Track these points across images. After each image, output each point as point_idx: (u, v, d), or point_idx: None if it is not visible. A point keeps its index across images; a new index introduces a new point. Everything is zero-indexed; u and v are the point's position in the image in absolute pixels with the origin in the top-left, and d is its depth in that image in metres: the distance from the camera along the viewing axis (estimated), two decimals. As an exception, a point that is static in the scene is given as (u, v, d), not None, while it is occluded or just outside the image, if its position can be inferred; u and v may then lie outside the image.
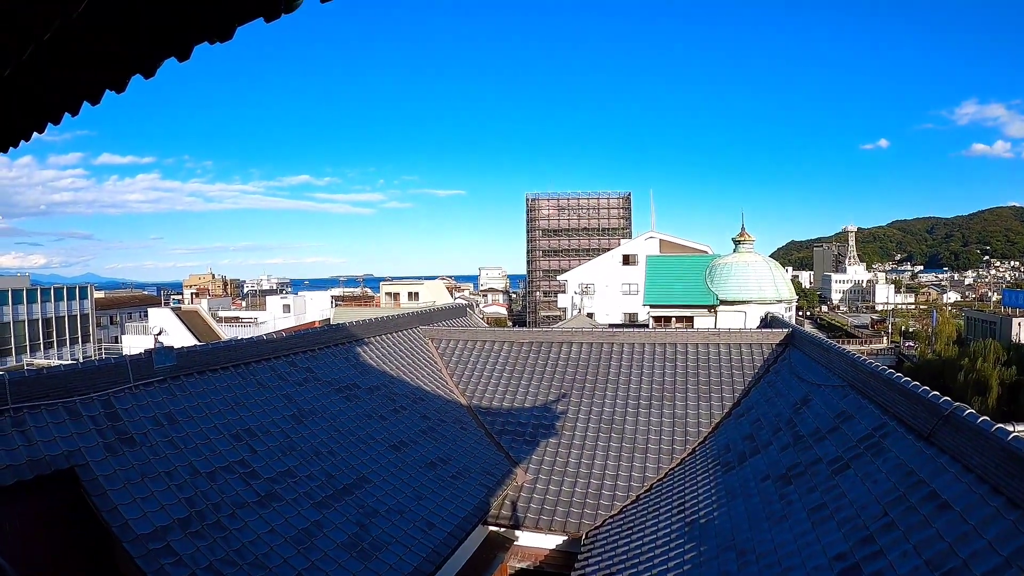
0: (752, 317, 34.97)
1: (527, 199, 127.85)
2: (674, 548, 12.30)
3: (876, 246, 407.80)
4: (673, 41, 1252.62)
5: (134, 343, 65.73)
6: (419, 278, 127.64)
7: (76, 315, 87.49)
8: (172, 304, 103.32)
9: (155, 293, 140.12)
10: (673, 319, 38.85)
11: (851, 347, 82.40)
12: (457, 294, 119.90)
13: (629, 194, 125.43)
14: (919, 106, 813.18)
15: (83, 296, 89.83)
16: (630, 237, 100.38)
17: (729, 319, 36.51)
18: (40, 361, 64.94)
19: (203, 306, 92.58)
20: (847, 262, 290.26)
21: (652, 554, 12.48)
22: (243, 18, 2.68)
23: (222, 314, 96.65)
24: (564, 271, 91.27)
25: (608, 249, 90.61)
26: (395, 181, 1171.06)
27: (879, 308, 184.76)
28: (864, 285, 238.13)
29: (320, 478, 13.64)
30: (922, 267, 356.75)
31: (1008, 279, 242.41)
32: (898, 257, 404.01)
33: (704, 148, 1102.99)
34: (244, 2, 2.61)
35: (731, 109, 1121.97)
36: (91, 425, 11.29)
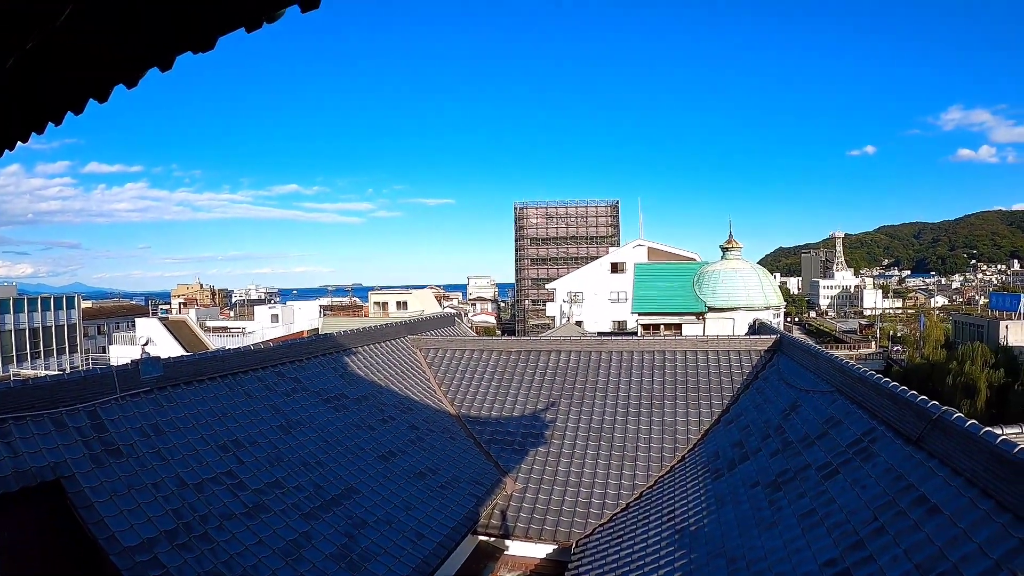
0: (740, 324, 35.03)
1: (515, 208, 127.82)
2: (664, 556, 12.29)
3: (863, 251, 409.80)
4: (661, 50, 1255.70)
5: (121, 353, 65.41)
6: (408, 287, 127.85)
7: (63, 325, 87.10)
8: (160, 314, 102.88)
9: (143, 303, 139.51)
10: (662, 327, 38.87)
11: (840, 352, 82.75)
12: (446, 303, 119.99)
13: (617, 202, 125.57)
14: (905, 112, 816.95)
15: (70, 306, 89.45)
16: (618, 245, 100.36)
17: (718, 326, 36.56)
18: (27, 371, 64.63)
19: (191, 316, 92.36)
20: (835, 268, 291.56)
21: (642, 562, 12.46)
22: (224, 28, 2.67)
23: (210, 324, 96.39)
24: (553, 280, 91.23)
25: (596, 257, 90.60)
26: (384, 190, 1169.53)
27: (867, 313, 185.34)
28: (852, 290, 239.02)
29: (308, 489, 13.57)
30: (909, 272, 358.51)
31: (995, 282, 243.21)
32: (885, 262, 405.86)
33: (691, 156, 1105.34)
34: (225, 12, 2.59)
35: (718, 117, 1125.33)
36: (77, 436, 11.21)
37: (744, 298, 36.99)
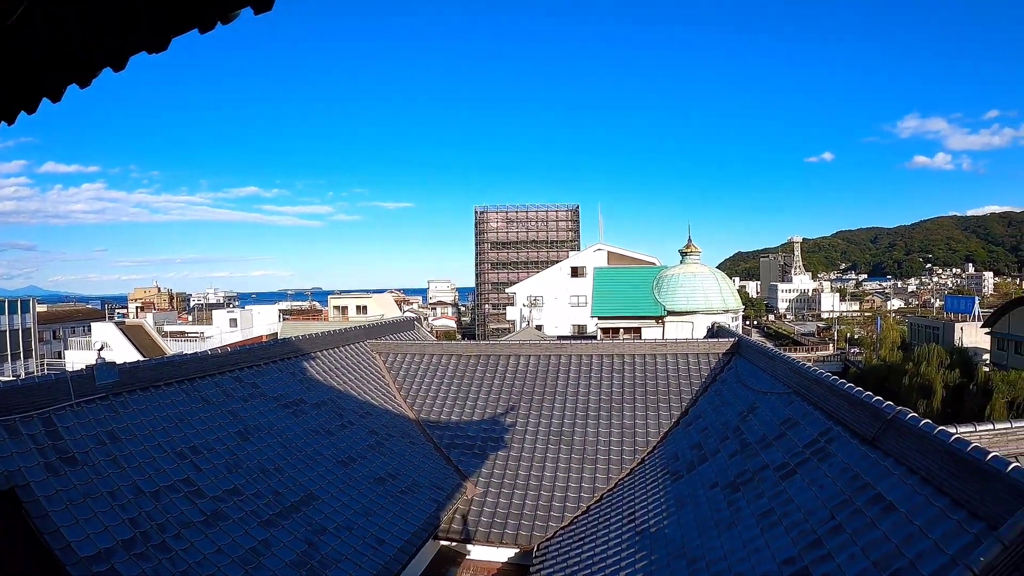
0: (699, 327, 35.25)
1: (476, 212, 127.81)
2: (625, 558, 12.34)
3: (821, 256, 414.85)
4: (621, 56, 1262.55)
5: (77, 358, 64.36)
6: (368, 291, 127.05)
7: (18, 329, 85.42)
8: (116, 318, 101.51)
9: (99, 307, 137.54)
10: (621, 330, 38.96)
11: (798, 354, 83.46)
12: (406, 307, 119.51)
13: (577, 207, 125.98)
14: (863, 120, 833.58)
15: (25, 310, 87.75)
16: (578, 249, 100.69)
17: (676, 330, 36.73)
18: (-21, 378, 63.53)
19: (148, 320, 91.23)
20: (793, 272, 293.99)
21: (604, 564, 12.51)
22: (178, 30, 2.66)
23: (167, 328, 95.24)
24: (513, 284, 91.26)
25: (557, 261, 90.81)
26: (344, 193, 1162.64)
27: (825, 316, 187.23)
28: (810, 294, 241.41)
29: (267, 496, 13.45)
30: (866, 276, 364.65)
31: (950, 286, 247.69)
32: (843, 266, 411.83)
33: (651, 161, 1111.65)
34: (178, 14, 2.58)
35: (678, 123, 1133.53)
36: (31, 444, 11.00)
37: (703, 302, 37.19)
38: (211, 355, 17.36)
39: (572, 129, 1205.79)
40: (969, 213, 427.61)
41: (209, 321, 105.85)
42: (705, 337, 27.35)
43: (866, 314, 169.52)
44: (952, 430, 8.89)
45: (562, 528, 15.80)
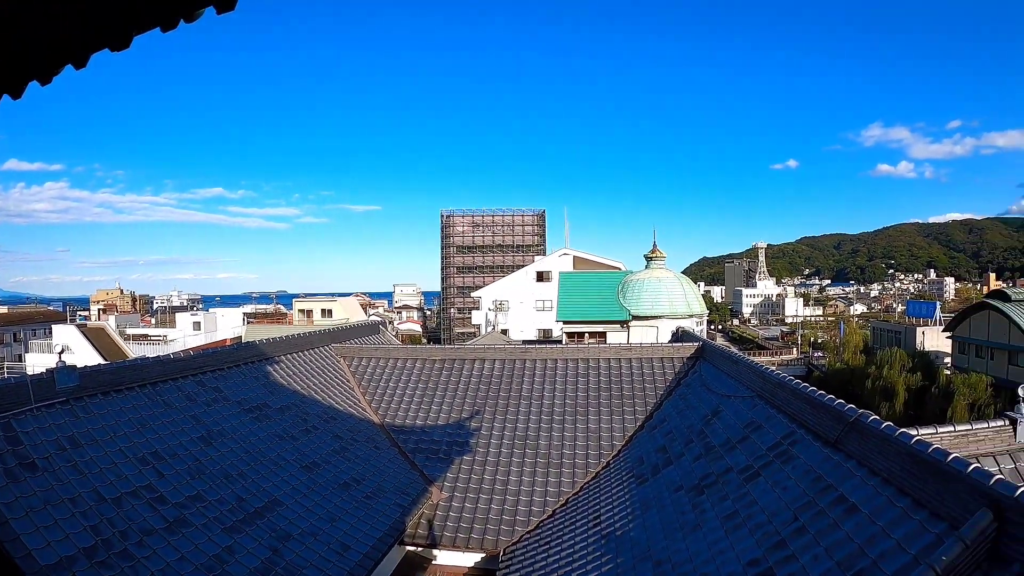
0: (664, 332, 35.40)
1: (442, 215, 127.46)
2: (591, 561, 12.37)
3: (785, 261, 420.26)
4: (587, 62, 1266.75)
5: (38, 361, 63.50)
6: (333, 295, 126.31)
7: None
8: (78, 320, 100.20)
9: (61, 309, 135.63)
10: (586, 335, 39.06)
11: (762, 358, 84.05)
12: (371, 311, 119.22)
13: (543, 211, 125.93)
14: (828, 129, 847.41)
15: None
16: (544, 254, 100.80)
17: (641, 334, 36.87)
18: (-64, 382, 62.50)
19: (111, 323, 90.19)
20: (757, 277, 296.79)
21: (570, 568, 12.54)
22: (141, 28, 2.64)
23: (130, 331, 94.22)
24: (479, 288, 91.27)
25: (522, 266, 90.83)
26: (311, 196, 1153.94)
27: (789, 321, 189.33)
28: (774, 299, 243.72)
29: (231, 502, 13.33)
30: (830, 281, 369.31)
31: (912, 291, 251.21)
32: (807, 272, 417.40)
33: (618, 167, 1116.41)
34: (142, 13, 2.56)
35: (645, 129, 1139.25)
36: (-11, 449, 10.89)
37: (667, 306, 37.36)
38: (174, 359, 17.18)
39: (539, 134, 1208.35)
40: (931, 220, 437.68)
41: (172, 324, 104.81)
42: (670, 341, 27.47)
43: (829, 319, 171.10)
44: (913, 432, 9.01)
45: (528, 532, 15.81)
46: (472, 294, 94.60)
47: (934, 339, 78.76)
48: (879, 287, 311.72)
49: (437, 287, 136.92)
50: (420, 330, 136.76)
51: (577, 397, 20.52)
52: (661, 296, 37.79)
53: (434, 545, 16.25)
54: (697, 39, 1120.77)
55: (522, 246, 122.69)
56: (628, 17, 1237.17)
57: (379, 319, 40.84)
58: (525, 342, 44.45)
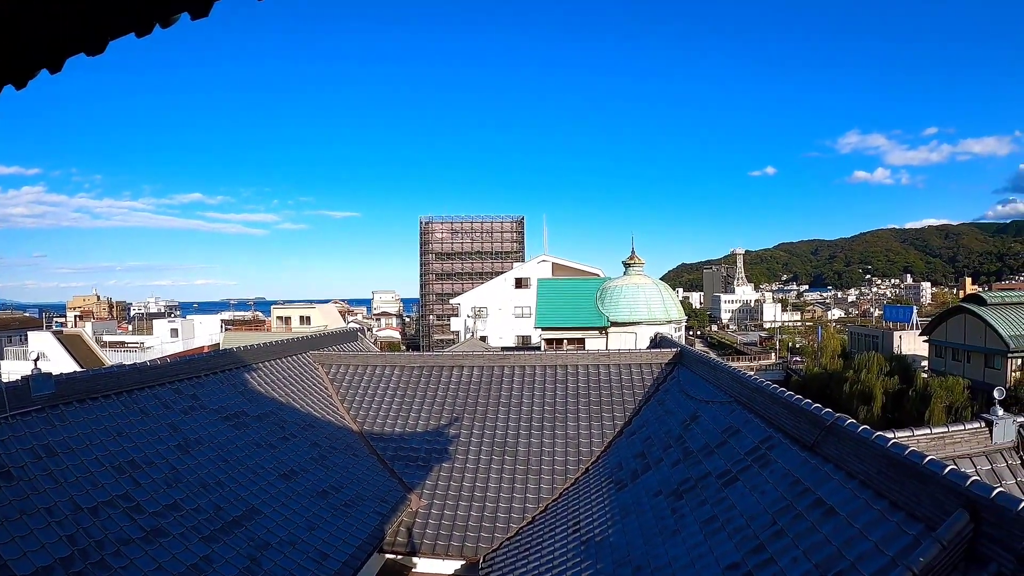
0: (642, 338, 35.52)
1: (421, 222, 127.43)
2: (571, 567, 12.39)
3: (763, 267, 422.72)
4: (565, 68, 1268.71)
5: (13, 368, 62.92)
6: (312, 302, 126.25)
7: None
8: (54, 327, 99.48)
9: (36, 315, 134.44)
10: (565, 341, 39.14)
11: (741, 363, 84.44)
12: (350, 318, 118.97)
13: (522, 218, 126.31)
14: (805, 136, 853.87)
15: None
16: (523, 261, 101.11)
17: (620, 340, 36.99)
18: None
19: (87, 330, 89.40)
20: (736, 283, 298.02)
21: (550, 574, 12.54)
22: (116, 33, 2.63)
23: (107, 338, 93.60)
24: (457, 294, 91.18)
25: (501, 272, 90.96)
26: (290, 202, 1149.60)
27: (767, 326, 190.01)
28: (752, 304, 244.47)
29: (208, 511, 13.24)
30: (807, 286, 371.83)
31: (889, 296, 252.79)
32: (784, 277, 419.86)
33: (596, 174, 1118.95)
34: (117, 17, 2.56)
35: (622, 136, 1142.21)
36: (-37, 458, 10.80)
37: (646, 312, 37.51)
38: (151, 366, 17.07)
39: (518, 140, 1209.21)
40: (908, 226, 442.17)
41: (149, 331, 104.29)
42: (648, 347, 27.57)
43: (807, 324, 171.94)
44: (890, 435, 9.10)
45: (508, 539, 15.80)
46: (451, 301, 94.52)
47: (911, 343, 79.47)
48: (856, 292, 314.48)
49: (416, 294, 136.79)
50: (399, 337, 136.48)
51: (556, 403, 20.54)
52: (639, 302, 37.94)
53: (414, 553, 16.20)
54: (676, 47, 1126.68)
55: (501, 252, 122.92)
56: (606, 23, 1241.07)
57: (358, 326, 40.64)
58: (504, 349, 44.48)
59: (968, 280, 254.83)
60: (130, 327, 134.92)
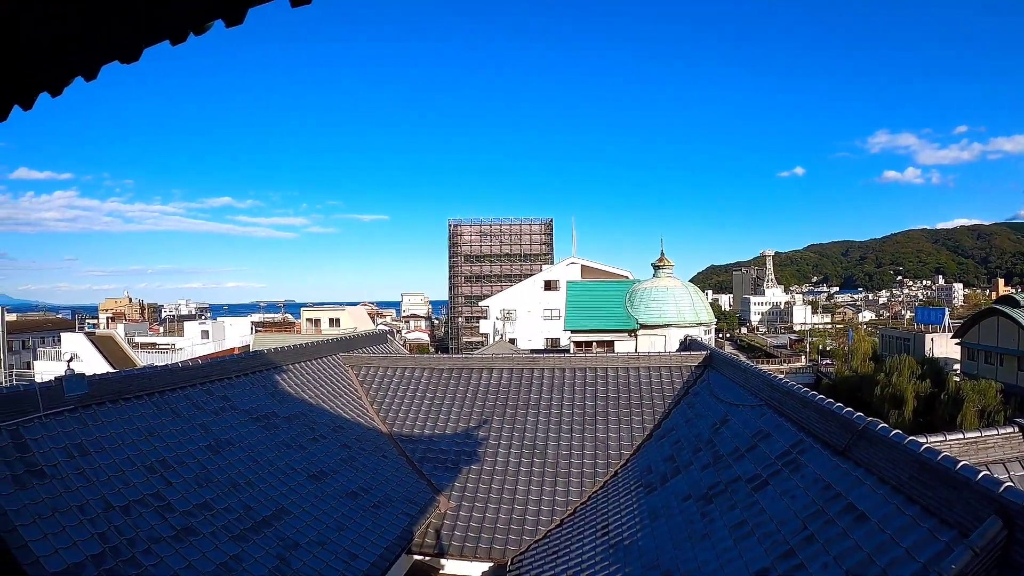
0: (672, 340, 35.35)
1: (449, 225, 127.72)
2: (599, 571, 12.34)
3: (793, 269, 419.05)
4: (593, 69, 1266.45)
5: (46, 369, 63.60)
6: (341, 304, 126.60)
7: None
8: (87, 328, 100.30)
9: (69, 317, 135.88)
10: (594, 344, 39.01)
11: (771, 366, 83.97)
12: (379, 320, 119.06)
13: (551, 220, 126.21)
14: (833, 136, 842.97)
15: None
16: (552, 263, 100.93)
17: (649, 343, 36.83)
18: (-55, 389, 62.59)
19: (119, 331, 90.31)
20: (765, 285, 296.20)
21: (577, 577, 12.50)
22: (151, 40, 2.65)
23: (139, 340, 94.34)
24: (486, 297, 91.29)
25: (530, 275, 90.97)
26: (318, 205, 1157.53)
27: (797, 328, 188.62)
28: (782, 307, 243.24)
29: (238, 510, 13.32)
30: (838, 288, 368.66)
31: (920, 297, 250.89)
32: (815, 279, 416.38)
33: (625, 176, 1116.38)
34: (152, 25, 2.57)
35: (652, 138, 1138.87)
36: (-2, 456, 10.93)
37: (675, 315, 37.30)
38: (182, 367, 17.21)
39: (546, 143, 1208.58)
40: (939, 226, 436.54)
41: (180, 333, 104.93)
42: (678, 350, 27.44)
43: (838, 326, 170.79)
44: (922, 440, 8.98)
45: (536, 542, 15.77)
46: (480, 303, 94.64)
47: (943, 346, 78.59)
48: (887, 294, 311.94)
49: (445, 296, 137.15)
50: (428, 339, 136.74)
51: (585, 406, 20.48)
52: (669, 305, 37.73)
53: (442, 554, 16.21)
54: (704, 47, 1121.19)
55: (530, 255, 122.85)
56: (634, 25, 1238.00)
57: (387, 328, 40.75)
58: (533, 351, 44.45)
59: (1001, 281, 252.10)
60: (161, 329, 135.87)
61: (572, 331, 40.78)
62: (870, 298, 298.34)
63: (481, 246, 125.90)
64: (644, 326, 37.75)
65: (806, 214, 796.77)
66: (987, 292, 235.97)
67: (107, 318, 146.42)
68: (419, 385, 23.24)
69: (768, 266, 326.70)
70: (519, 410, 20.81)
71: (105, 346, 73.05)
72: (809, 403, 12.18)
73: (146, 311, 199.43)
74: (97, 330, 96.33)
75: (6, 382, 69.31)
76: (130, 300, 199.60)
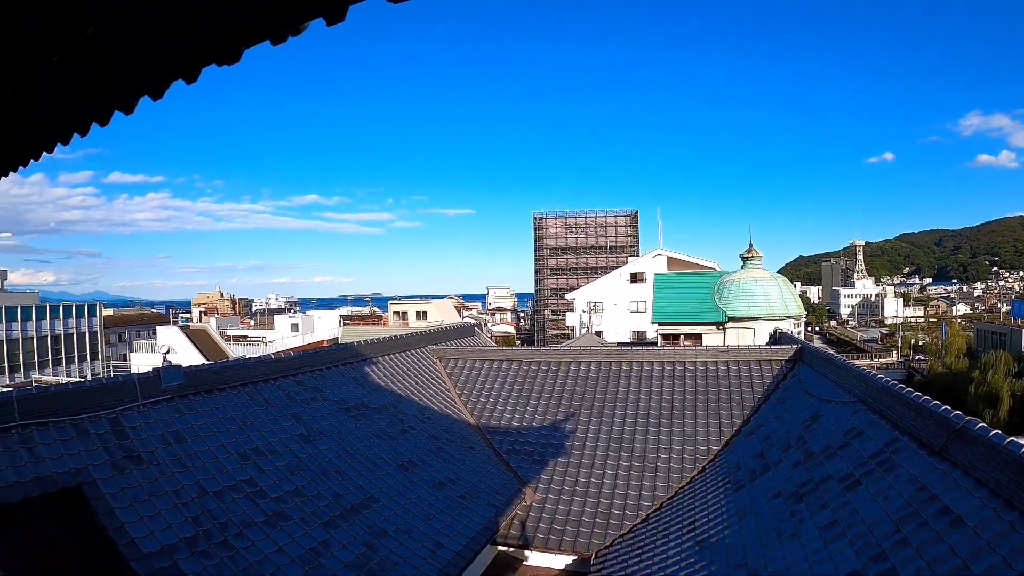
0: (761, 334, 34.84)
1: (534, 218, 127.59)
2: (684, 567, 12.21)
3: (884, 259, 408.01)
4: (677, 59, 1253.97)
5: (142, 361, 65.82)
6: (427, 297, 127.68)
7: (85, 332, 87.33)
8: (181, 322, 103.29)
9: (163, 311, 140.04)
10: (681, 337, 38.70)
11: (861, 362, 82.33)
12: (465, 313, 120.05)
13: (636, 212, 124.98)
14: (924, 119, 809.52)
15: (92, 313, 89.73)
16: (637, 255, 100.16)
17: (738, 336, 36.38)
18: (48, 378, 65.03)
19: (211, 324, 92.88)
20: (855, 276, 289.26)
21: (663, 574, 12.39)
22: (251, 41, 2.68)
23: (230, 333, 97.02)
24: (572, 289, 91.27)
25: (616, 267, 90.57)
26: (404, 201, 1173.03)
27: (888, 322, 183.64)
28: (873, 299, 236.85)
29: (328, 497, 13.58)
30: (930, 280, 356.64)
31: (1017, 290, 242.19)
32: (906, 270, 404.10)
33: (711, 165, 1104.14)
34: (252, 26, 2.60)
35: (736, 125, 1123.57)
36: (99, 443, 11.31)
37: (764, 308, 36.76)
38: (274, 359, 17.57)
39: (632, 134, 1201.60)
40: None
41: (271, 326, 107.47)
42: (767, 344, 27.01)
43: (931, 320, 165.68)
44: (1023, 441, 8.68)
45: (621, 536, 15.69)
46: (566, 296, 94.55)
47: (1041, 342, 75.94)
48: (982, 286, 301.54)
49: (531, 289, 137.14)
50: (514, 332, 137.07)
51: (673, 400, 20.30)
52: (758, 297, 37.21)
53: (526, 546, 16.25)
54: (786, 33, 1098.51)
55: (615, 247, 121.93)
56: (717, 9, 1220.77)
57: (474, 321, 41.03)
58: (620, 344, 44.26)
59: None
60: (252, 322, 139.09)
61: (659, 324, 40.56)
62: (964, 290, 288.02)
63: (566, 239, 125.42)
64: (732, 319, 37.33)
65: (897, 202, 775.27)
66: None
67: (200, 312, 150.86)
68: (506, 377, 23.34)
69: (858, 256, 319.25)
70: (606, 403, 20.73)
71: (199, 339, 75.26)
72: (905, 400, 11.84)
73: (237, 305, 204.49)
74: (191, 323, 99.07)
75: (104, 373, 71.64)
76: (222, 295, 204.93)
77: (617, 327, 72.88)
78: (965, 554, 7.58)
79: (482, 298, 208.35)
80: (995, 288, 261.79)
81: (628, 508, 16.57)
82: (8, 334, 75.15)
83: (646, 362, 22.29)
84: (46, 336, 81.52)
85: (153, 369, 13.75)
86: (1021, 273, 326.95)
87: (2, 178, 4.37)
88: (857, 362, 17.53)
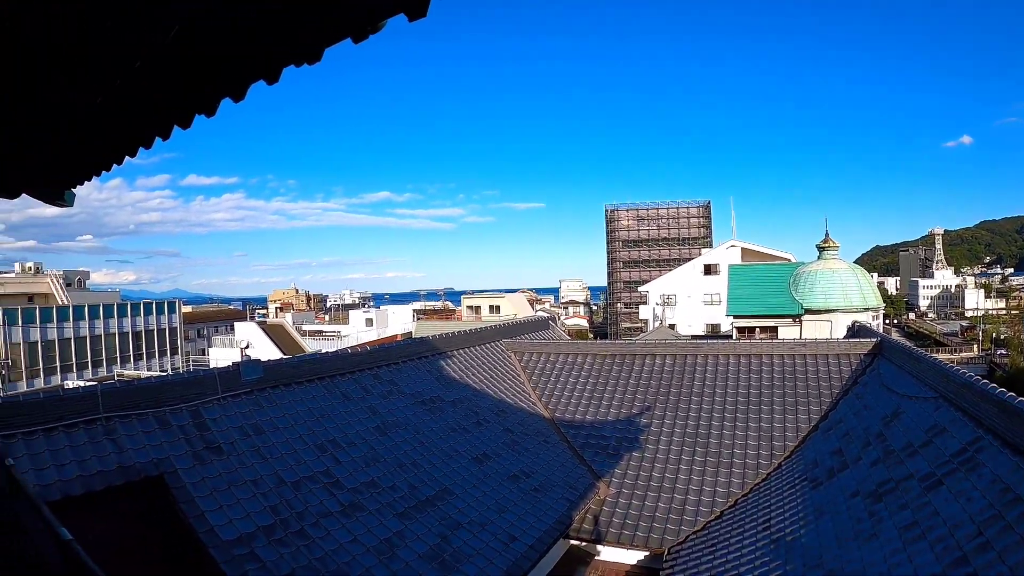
0: (839, 326, 34.17)
1: (606, 210, 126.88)
2: (759, 566, 12.06)
3: (964, 249, 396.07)
4: (751, 48, 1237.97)
5: (221, 356, 67.33)
6: (500, 291, 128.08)
7: (165, 329, 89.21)
8: (257, 318, 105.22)
9: (240, 308, 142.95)
10: (757, 329, 38.24)
11: (940, 356, 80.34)
12: (538, 307, 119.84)
13: (708, 202, 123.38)
14: (1000, 99, 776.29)
15: (171, 311, 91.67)
16: (711, 246, 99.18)
17: (815, 329, 35.77)
18: (130, 372, 66.67)
19: (288, 320, 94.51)
20: (934, 266, 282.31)
21: (736, 572, 12.25)
22: (332, 40, 2.70)
23: (306, 328, 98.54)
24: (645, 282, 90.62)
25: (689, 259, 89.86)
26: (475, 196, 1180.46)
27: (969, 314, 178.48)
28: (952, 290, 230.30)
29: (403, 489, 13.76)
30: (1013, 269, 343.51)
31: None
32: (987, 260, 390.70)
33: (784, 154, 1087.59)
34: (332, 25, 2.62)
35: (809, 112, 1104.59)
36: (180, 434, 11.74)
37: (842, 299, 36.08)
38: (350, 353, 17.85)
39: (703, 123, 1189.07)
40: None
41: (346, 321, 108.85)
42: (845, 337, 26.53)
43: (1013, 312, 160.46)
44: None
45: (694, 533, 15.55)
46: (639, 288, 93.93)
47: None
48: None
49: (603, 282, 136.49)
50: (587, 325, 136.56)
51: (749, 394, 20.03)
52: (835, 288, 36.56)
53: (598, 540, 16.22)
54: (859, 16, 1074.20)
55: (688, 239, 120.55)
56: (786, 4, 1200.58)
57: (548, 315, 41.05)
58: (694, 337, 43.90)
59: None
60: (327, 317, 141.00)
61: (735, 316, 40.16)
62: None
63: (639, 231, 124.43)
64: (809, 311, 36.77)
65: (976, 188, 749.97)
66: None
67: (276, 308, 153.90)
68: (581, 371, 23.31)
69: (937, 246, 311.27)
70: (681, 397, 20.57)
71: (276, 334, 76.70)
72: (990, 397, 11.51)
73: (312, 301, 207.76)
74: (267, 319, 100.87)
75: (183, 368, 73.38)
76: (297, 291, 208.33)
77: (691, 320, 72.27)
78: (1049, 560, 7.38)
79: (554, 291, 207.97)
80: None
81: (702, 504, 16.42)
82: (91, 331, 76.88)
83: (721, 355, 22.06)
84: (127, 332, 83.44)
85: (233, 363, 14.10)
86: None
87: (88, 181, 4.48)
88: (937, 357, 17.11)
